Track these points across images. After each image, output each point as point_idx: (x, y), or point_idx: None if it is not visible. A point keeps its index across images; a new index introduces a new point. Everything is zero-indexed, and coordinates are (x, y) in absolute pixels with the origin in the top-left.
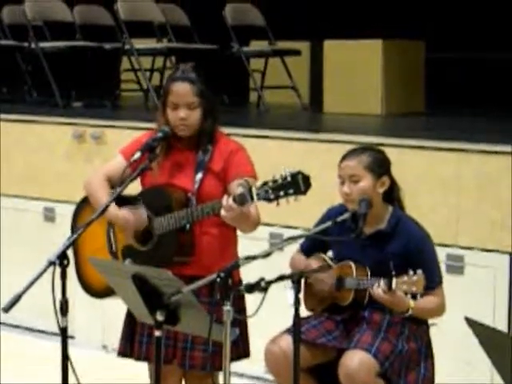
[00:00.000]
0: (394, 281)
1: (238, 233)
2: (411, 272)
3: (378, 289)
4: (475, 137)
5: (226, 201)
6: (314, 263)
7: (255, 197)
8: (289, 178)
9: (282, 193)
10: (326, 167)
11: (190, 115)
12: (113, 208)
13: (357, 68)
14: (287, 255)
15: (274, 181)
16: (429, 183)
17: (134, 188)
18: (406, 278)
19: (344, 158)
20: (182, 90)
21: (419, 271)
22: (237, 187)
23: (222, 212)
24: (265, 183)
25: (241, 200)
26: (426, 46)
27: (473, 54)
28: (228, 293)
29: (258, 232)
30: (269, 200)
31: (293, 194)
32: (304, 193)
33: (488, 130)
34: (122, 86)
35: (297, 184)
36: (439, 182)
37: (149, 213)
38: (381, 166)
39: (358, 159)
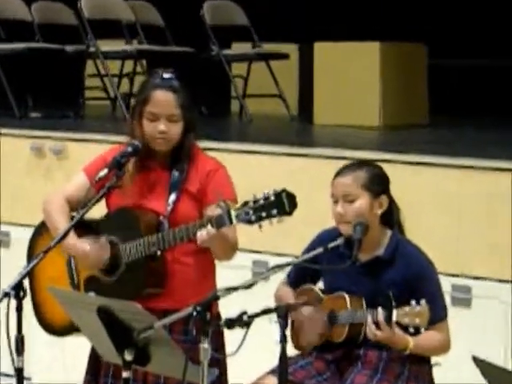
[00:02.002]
0: (395, 312)
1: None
2: (414, 302)
3: (372, 326)
4: (484, 152)
5: (202, 224)
6: (302, 296)
7: (234, 219)
8: (272, 198)
9: (264, 214)
10: (317, 186)
11: (171, 128)
12: (71, 238)
13: (351, 74)
14: (273, 285)
15: (256, 201)
16: (432, 204)
17: (99, 210)
18: (407, 308)
19: (337, 174)
20: (165, 99)
21: (423, 301)
22: (214, 209)
23: (198, 236)
24: (245, 203)
25: (218, 222)
26: (428, 50)
27: (481, 61)
28: (205, 328)
29: (239, 260)
30: (250, 222)
31: (277, 214)
32: (289, 213)
33: (500, 144)
34: (87, 94)
35: (281, 204)
36: (444, 203)
37: (115, 239)
38: (379, 184)
39: (353, 176)
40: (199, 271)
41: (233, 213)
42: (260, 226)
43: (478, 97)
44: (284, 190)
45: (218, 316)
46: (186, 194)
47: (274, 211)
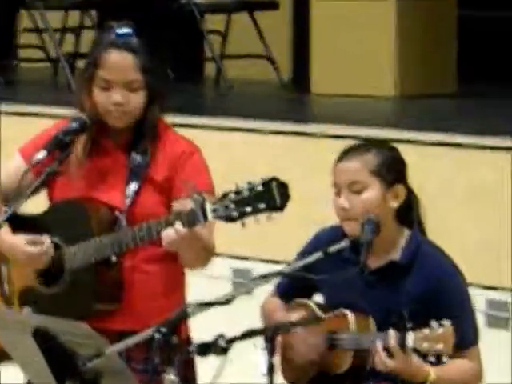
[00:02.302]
0: (411, 335)
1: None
2: (435, 324)
3: (382, 353)
4: None
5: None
6: (295, 313)
7: (210, 214)
8: (259, 188)
9: (249, 209)
10: (315, 172)
11: (130, 99)
12: (5, 233)
13: (359, 30)
14: (257, 300)
15: (238, 192)
16: (463, 196)
17: (40, 204)
18: (427, 331)
19: (341, 158)
20: (121, 62)
21: (447, 322)
22: (185, 203)
23: (165, 236)
24: (224, 196)
25: (190, 219)
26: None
27: None
28: (172, 356)
29: (216, 268)
30: (231, 219)
31: (265, 209)
32: (280, 208)
33: None
34: (21, 54)
35: (270, 196)
36: (478, 195)
37: (58, 240)
38: (394, 170)
39: (361, 160)
40: (165, 282)
41: (209, 207)
42: (243, 224)
43: None
44: (274, 179)
45: (189, 340)
46: (150, 183)
47: (262, 205)
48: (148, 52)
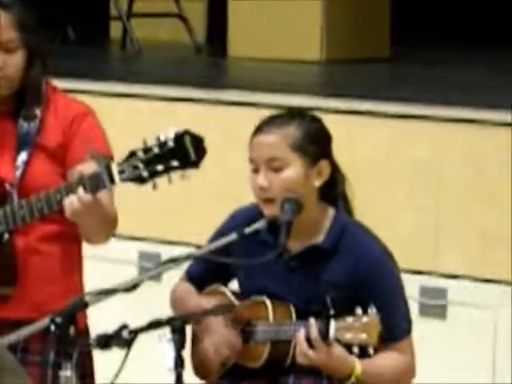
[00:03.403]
0: (333, 325)
1: (89, 252)
2: (360, 311)
3: (303, 344)
4: (469, 96)
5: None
6: (208, 301)
7: (117, 177)
8: (170, 144)
9: (160, 167)
10: (232, 144)
11: (7, 61)
12: None
13: None
14: (167, 287)
15: (147, 149)
16: (393, 172)
17: None
18: (351, 320)
19: (258, 130)
20: None
21: (373, 310)
22: (88, 167)
23: (67, 205)
24: (132, 154)
25: (94, 183)
26: None
27: None
28: (68, 348)
29: (119, 251)
30: (141, 180)
31: (179, 166)
32: (196, 164)
33: (486, 87)
34: None
35: (184, 151)
36: (410, 171)
37: None
38: (317, 144)
39: (280, 133)
40: (63, 264)
41: (115, 168)
42: (155, 186)
43: (463, 22)
44: (187, 132)
45: (87, 331)
46: (42, 150)
47: (175, 162)
48: (26, 7)
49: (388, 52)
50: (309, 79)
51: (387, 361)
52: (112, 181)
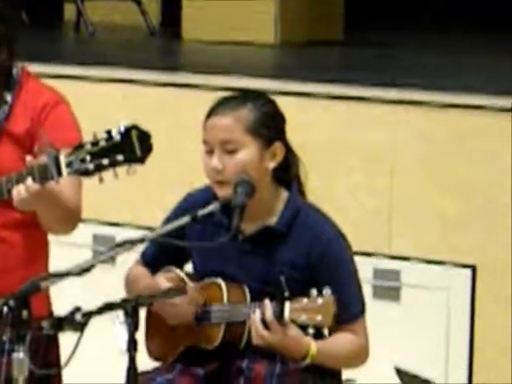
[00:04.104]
0: (288, 306)
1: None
2: (314, 292)
3: (259, 325)
4: (425, 78)
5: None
6: (162, 282)
7: (64, 169)
8: (117, 138)
9: (106, 161)
10: (186, 128)
11: None
12: None
13: None
14: (121, 270)
15: (94, 143)
16: (347, 154)
17: None
18: (305, 301)
19: (212, 112)
20: None
21: (327, 291)
22: (39, 157)
23: (15, 194)
24: (80, 146)
25: (42, 174)
26: None
27: None
28: (21, 332)
29: (77, 235)
30: (86, 173)
31: (124, 161)
32: (141, 160)
33: (437, 69)
34: None
35: (130, 146)
36: (364, 153)
37: None
38: (271, 127)
39: (234, 115)
40: (26, 252)
41: (63, 160)
42: (101, 179)
43: (417, 6)
44: (134, 127)
45: (52, 315)
46: (9, 136)
47: (120, 157)
48: None
49: (341, 35)
50: (263, 62)
51: (341, 342)
52: (59, 172)
